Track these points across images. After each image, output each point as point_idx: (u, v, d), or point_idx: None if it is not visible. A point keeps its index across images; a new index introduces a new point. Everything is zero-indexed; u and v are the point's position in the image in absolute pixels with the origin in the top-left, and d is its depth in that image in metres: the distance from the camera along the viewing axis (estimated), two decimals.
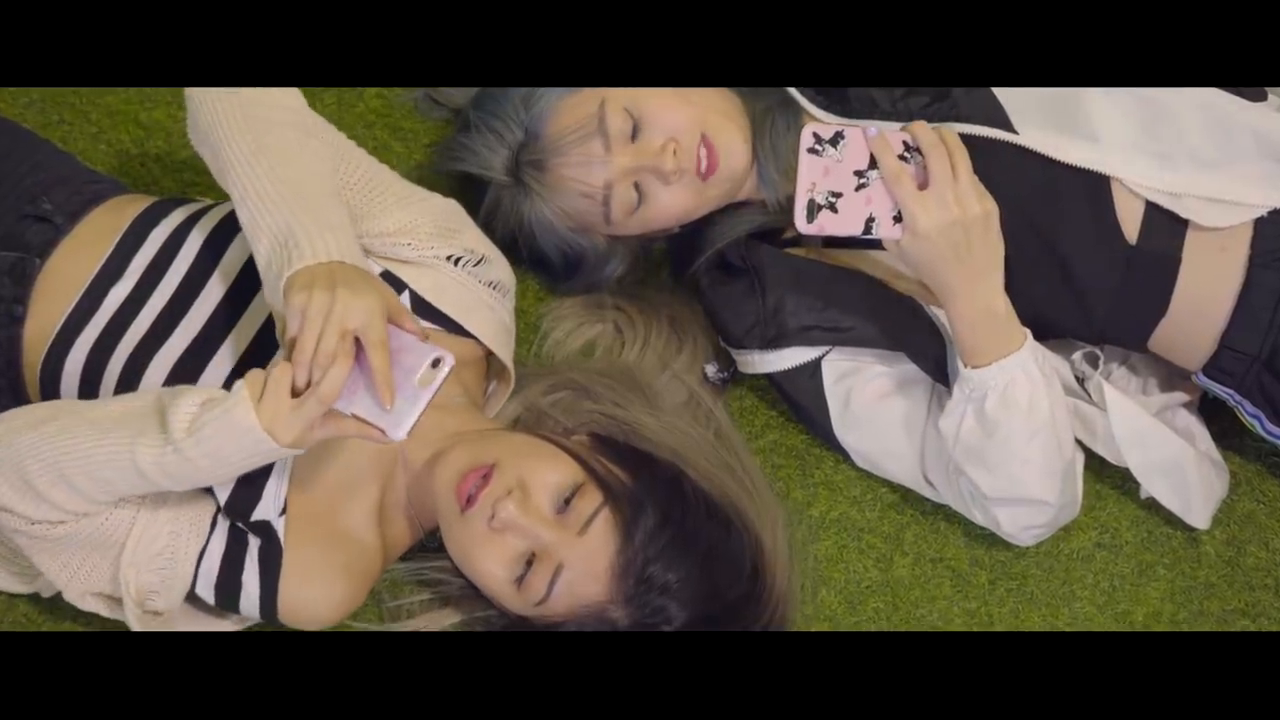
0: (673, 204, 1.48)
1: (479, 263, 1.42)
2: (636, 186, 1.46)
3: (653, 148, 1.44)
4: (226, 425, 1.14)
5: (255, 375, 1.15)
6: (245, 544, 1.31)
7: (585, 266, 1.57)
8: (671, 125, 1.44)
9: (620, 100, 1.44)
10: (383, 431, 1.13)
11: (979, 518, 1.49)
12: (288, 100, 1.36)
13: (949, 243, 1.34)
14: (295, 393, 1.14)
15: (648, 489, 1.28)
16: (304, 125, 1.35)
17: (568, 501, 1.27)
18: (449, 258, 1.40)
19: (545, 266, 1.59)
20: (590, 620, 1.26)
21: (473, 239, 1.44)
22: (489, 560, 1.27)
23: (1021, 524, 1.46)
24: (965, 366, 1.39)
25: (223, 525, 1.31)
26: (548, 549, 1.26)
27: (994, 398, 1.38)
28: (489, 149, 1.49)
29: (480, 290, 1.42)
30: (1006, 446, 1.39)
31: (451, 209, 1.45)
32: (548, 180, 1.47)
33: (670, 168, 1.43)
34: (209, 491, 1.30)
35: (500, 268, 1.46)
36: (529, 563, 1.27)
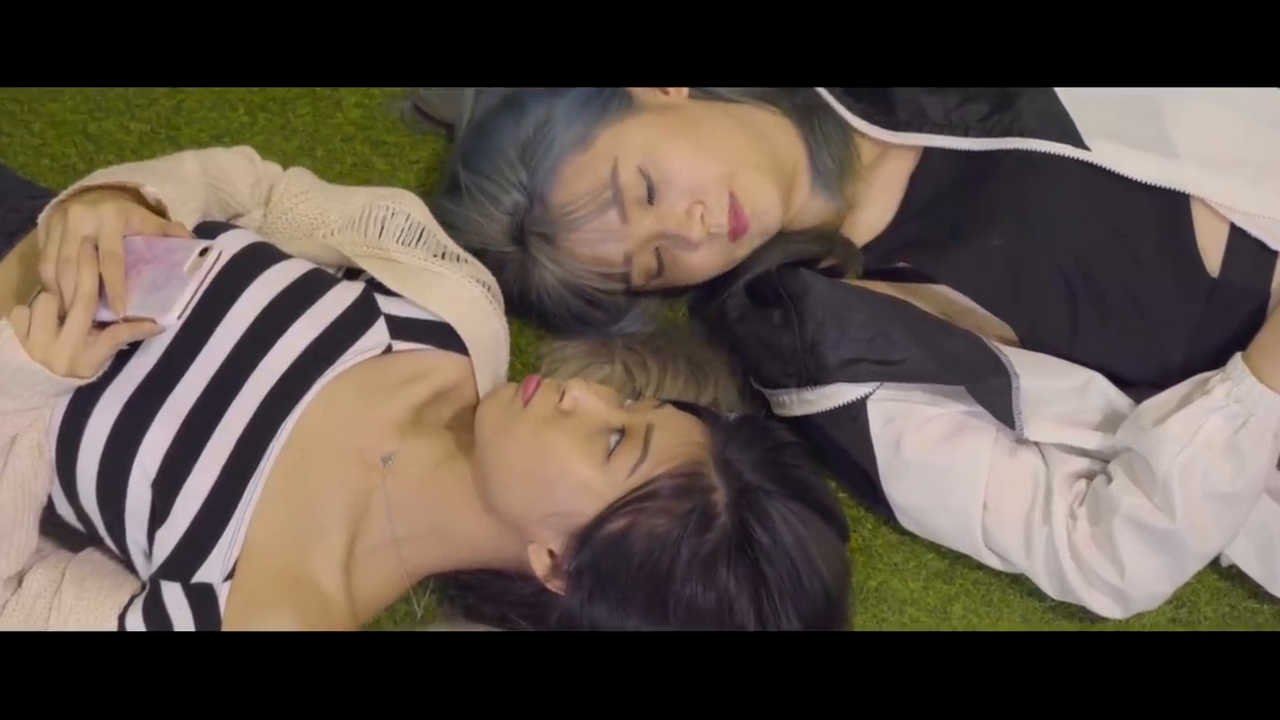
0: (699, 267, 1.42)
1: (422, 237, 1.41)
2: (658, 251, 1.40)
3: (676, 213, 1.38)
4: None
5: (19, 311, 1.19)
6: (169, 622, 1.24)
7: (600, 324, 1.49)
8: (694, 184, 1.37)
9: (633, 159, 1.37)
10: (153, 321, 1.20)
11: (1052, 578, 1.35)
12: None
13: None
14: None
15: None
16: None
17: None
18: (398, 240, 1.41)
19: (555, 326, 1.51)
20: (686, 496, 1.20)
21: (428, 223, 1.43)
22: (564, 446, 1.21)
23: (1150, 588, 1.33)
24: (1250, 372, 1.28)
25: (135, 614, 1.24)
26: (631, 419, 1.23)
27: (1255, 427, 1.28)
28: (486, 218, 1.41)
29: (431, 262, 1.39)
30: (1235, 480, 1.28)
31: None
32: (558, 256, 1.41)
33: (698, 236, 1.37)
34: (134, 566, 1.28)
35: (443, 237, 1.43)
36: (613, 436, 1.23)
